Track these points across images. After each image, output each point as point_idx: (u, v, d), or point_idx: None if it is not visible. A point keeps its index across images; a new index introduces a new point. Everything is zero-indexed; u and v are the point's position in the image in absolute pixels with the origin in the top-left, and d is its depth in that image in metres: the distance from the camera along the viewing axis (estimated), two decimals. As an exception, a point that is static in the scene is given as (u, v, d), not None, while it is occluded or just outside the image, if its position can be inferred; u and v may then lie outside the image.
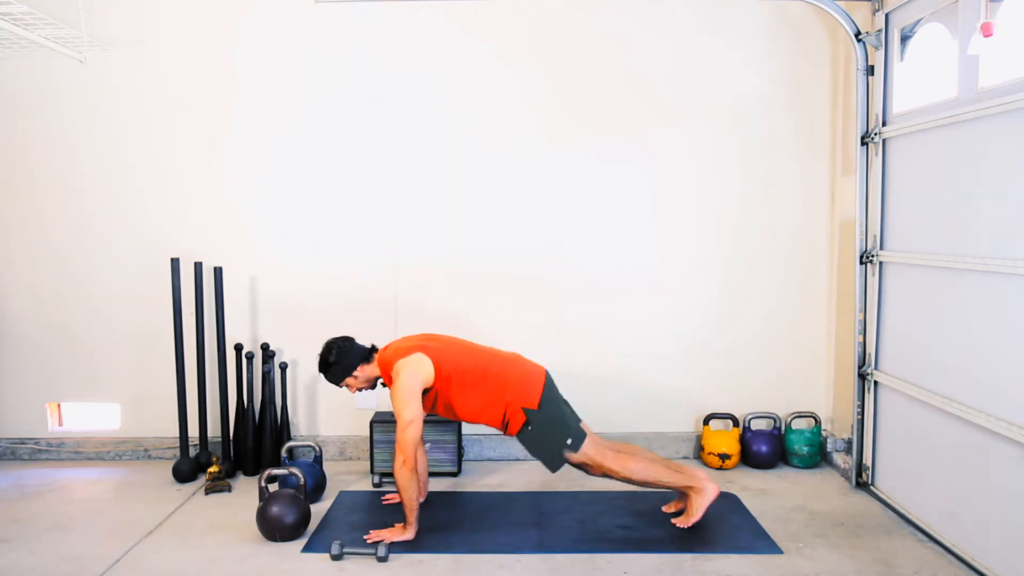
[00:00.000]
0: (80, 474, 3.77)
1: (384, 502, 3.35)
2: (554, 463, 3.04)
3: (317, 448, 3.55)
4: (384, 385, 3.15)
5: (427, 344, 3.08)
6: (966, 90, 2.78)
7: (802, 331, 3.92)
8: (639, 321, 3.91)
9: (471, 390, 3.03)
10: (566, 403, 3.18)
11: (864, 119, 3.42)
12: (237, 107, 3.81)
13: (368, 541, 2.89)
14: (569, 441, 3.02)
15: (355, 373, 3.15)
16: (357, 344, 3.19)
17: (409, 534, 2.93)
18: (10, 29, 3.20)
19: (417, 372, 2.97)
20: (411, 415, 2.90)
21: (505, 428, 3.05)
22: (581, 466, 3.06)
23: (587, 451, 3.02)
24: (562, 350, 3.87)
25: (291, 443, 3.55)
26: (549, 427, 3.03)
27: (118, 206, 3.87)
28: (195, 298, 3.70)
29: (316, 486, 3.38)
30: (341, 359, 3.13)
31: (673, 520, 3.09)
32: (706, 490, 3.05)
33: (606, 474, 3.05)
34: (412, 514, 2.93)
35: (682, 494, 3.15)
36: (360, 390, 3.21)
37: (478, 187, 3.84)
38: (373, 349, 3.21)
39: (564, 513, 3.25)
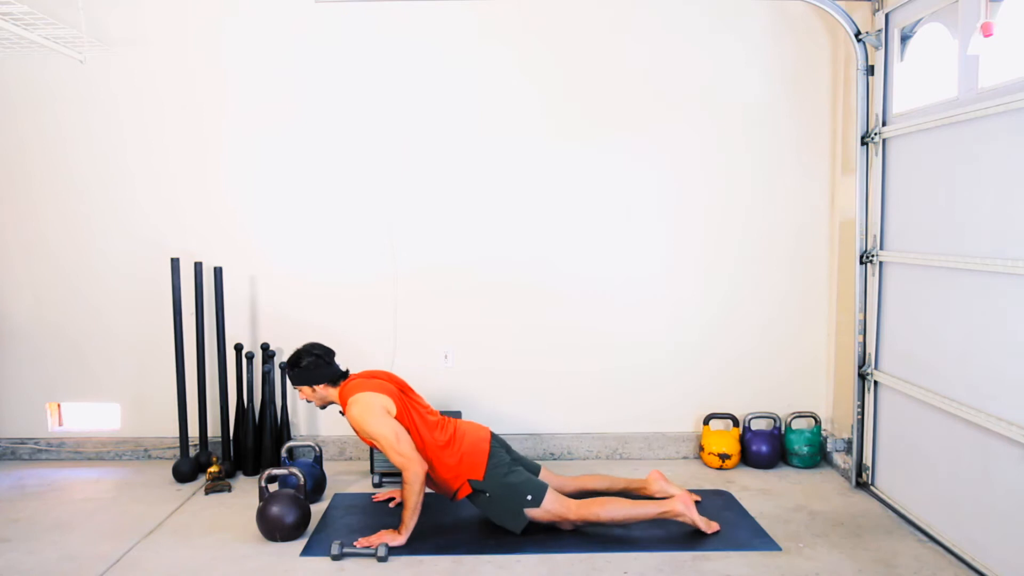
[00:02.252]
0: (80, 474, 3.77)
1: (375, 499, 3.36)
2: (517, 524, 2.93)
3: (317, 448, 3.55)
4: (340, 413, 3.15)
5: (389, 387, 3.06)
6: (966, 90, 2.78)
7: (802, 331, 3.92)
8: (640, 321, 3.91)
9: (431, 453, 3.00)
10: (516, 460, 3.11)
11: (864, 119, 3.42)
12: (237, 107, 3.81)
13: (358, 546, 2.85)
14: (529, 497, 2.92)
15: (315, 387, 3.14)
16: (334, 365, 3.16)
17: (402, 539, 2.88)
18: (10, 29, 3.19)
19: (375, 405, 2.95)
20: (405, 450, 2.89)
21: (453, 497, 3.02)
22: (551, 524, 2.96)
23: (549, 507, 2.92)
24: (563, 350, 3.88)
25: (291, 443, 3.55)
26: (503, 490, 2.95)
27: (118, 206, 3.87)
28: (195, 298, 3.70)
29: (316, 486, 3.38)
30: (312, 369, 3.12)
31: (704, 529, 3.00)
32: (681, 509, 2.96)
33: (585, 521, 2.95)
34: (413, 518, 2.90)
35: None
36: (309, 402, 3.35)
37: (480, 189, 3.83)
38: (345, 374, 3.18)
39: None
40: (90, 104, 3.82)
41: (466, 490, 2.99)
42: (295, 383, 3.16)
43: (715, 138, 3.83)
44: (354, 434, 3.92)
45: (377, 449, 3.12)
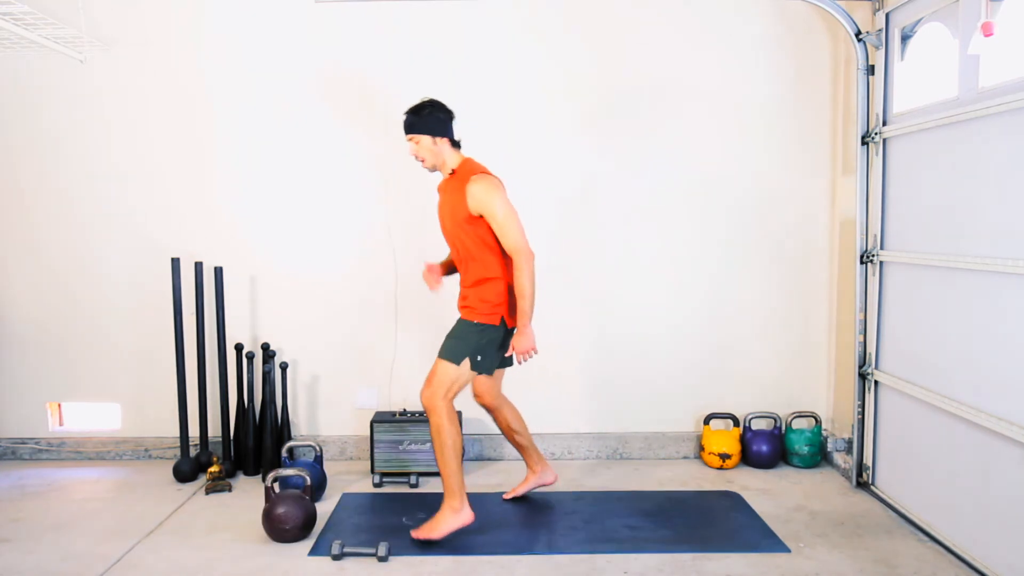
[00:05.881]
0: (80, 474, 3.77)
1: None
2: (456, 357, 2.95)
3: (317, 448, 3.55)
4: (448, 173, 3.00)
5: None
6: (966, 90, 2.78)
7: (802, 331, 3.92)
8: (640, 320, 3.91)
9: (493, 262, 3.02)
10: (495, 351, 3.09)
11: (864, 119, 3.42)
12: (237, 107, 3.81)
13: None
14: (479, 358, 2.98)
15: (437, 140, 2.95)
16: (452, 128, 3.02)
17: (526, 334, 2.98)
18: (10, 29, 3.20)
19: (502, 187, 2.96)
20: (523, 234, 2.95)
21: (469, 312, 3.01)
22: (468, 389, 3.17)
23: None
24: (563, 349, 3.87)
25: (291, 443, 3.55)
26: (481, 342, 2.99)
27: (117, 207, 3.86)
28: (195, 298, 3.70)
29: (316, 486, 3.38)
30: (439, 119, 2.94)
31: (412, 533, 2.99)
32: (458, 514, 2.97)
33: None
34: (531, 309, 3.03)
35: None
36: (422, 163, 2.99)
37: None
38: (458, 144, 3.04)
39: (565, 513, 3.25)
40: (87, 104, 3.81)
41: (490, 320, 3.00)
42: (415, 130, 2.93)
43: (715, 138, 3.82)
44: (354, 434, 3.94)
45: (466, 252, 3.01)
